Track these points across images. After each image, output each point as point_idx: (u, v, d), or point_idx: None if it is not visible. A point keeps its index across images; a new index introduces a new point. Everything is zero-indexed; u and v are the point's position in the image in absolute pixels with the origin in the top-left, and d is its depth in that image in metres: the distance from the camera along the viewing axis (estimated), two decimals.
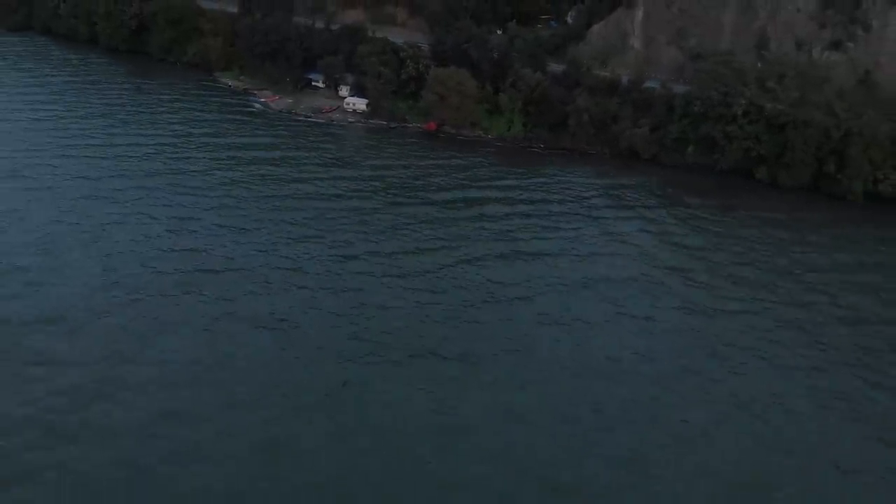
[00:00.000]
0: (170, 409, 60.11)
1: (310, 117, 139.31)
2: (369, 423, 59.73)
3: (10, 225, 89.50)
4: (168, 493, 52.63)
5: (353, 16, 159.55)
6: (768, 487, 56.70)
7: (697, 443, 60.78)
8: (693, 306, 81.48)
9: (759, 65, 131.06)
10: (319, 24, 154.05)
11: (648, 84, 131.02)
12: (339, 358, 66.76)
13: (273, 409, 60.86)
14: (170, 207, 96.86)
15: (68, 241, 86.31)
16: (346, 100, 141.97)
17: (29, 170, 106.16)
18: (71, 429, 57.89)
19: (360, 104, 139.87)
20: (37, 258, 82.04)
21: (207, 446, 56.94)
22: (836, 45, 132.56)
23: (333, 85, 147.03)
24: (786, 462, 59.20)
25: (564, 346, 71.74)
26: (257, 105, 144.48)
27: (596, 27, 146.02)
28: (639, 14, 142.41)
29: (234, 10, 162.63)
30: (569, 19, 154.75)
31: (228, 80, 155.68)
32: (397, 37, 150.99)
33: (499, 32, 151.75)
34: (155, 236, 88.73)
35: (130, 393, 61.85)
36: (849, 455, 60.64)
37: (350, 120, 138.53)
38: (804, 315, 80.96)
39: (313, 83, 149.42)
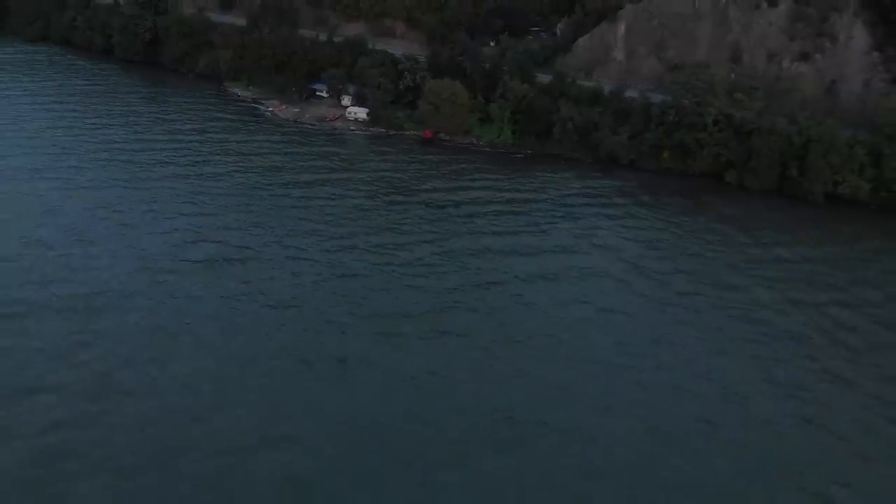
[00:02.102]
0: (198, 366, 74.61)
1: (314, 125, 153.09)
2: (369, 378, 74.14)
3: (48, 219, 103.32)
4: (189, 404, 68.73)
5: (355, 29, 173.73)
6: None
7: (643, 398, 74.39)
8: (653, 292, 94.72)
9: (732, 76, 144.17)
10: (323, 37, 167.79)
11: (629, 93, 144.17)
12: (341, 329, 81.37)
13: (284, 363, 75.55)
14: (188, 203, 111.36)
15: (100, 233, 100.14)
16: (348, 109, 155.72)
17: (59, 170, 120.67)
18: (117, 377, 72.72)
19: (361, 113, 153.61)
20: (74, 247, 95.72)
21: (232, 388, 72.13)
22: (804, 57, 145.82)
23: (336, 95, 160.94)
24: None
25: (534, 322, 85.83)
26: (265, 113, 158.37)
27: (581, 40, 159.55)
28: (621, 27, 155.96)
29: (243, 23, 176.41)
30: (557, 31, 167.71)
31: (238, 90, 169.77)
32: (396, 48, 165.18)
33: (492, 44, 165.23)
34: (177, 228, 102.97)
35: (160, 351, 76.44)
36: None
37: (352, 128, 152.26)
38: (750, 302, 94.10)
39: (317, 93, 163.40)
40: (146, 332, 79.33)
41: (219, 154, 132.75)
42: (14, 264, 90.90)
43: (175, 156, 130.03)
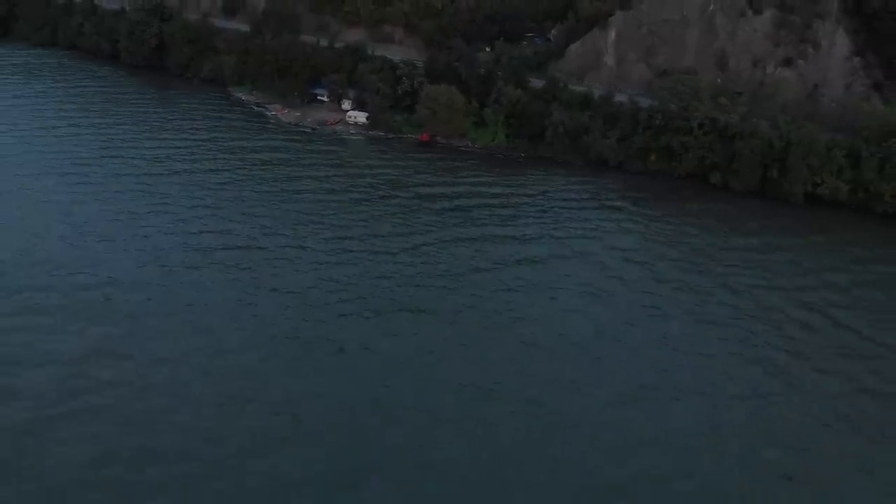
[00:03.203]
0: (206, 348, 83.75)
1: (315, 129, 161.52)
2: (367, 360, 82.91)
3: (61, 215, 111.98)
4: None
5: (355, 35, 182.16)
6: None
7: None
8: (632, 285, 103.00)
9: (718, 81, 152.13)
10: (324, 43, 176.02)
11: (618, 98, 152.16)
12: (340, 315, 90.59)
13: (287, 346, 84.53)
14: (197, 199, 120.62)
15: (111, 227, 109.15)
16: (349, 113, 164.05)
17: (72, 168, 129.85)
18: (128, 350, 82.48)
19: (361, 117, 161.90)
20: (87, 241, 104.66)
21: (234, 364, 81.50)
22: (788, 62, 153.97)
23: (337, 99, 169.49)
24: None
25: (520, 310, 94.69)
26: (268, 117, 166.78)
27: (574, 46, 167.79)
28: (612, 34, 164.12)
29: (246, 29, 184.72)
30: (550, 37, 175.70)
31: (241, 95, 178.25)
32: (395, 54, 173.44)
33: (487, 50, 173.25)
34: (186, 223, 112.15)
35: (169, 334, 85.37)
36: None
37: (352, 131, 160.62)
38: (721, 295, 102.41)
39: (319, 97, 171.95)
40: (156, 317, 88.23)
41: (225, 155, 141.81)
42: (30, 256, 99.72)
43: (183, 156, 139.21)
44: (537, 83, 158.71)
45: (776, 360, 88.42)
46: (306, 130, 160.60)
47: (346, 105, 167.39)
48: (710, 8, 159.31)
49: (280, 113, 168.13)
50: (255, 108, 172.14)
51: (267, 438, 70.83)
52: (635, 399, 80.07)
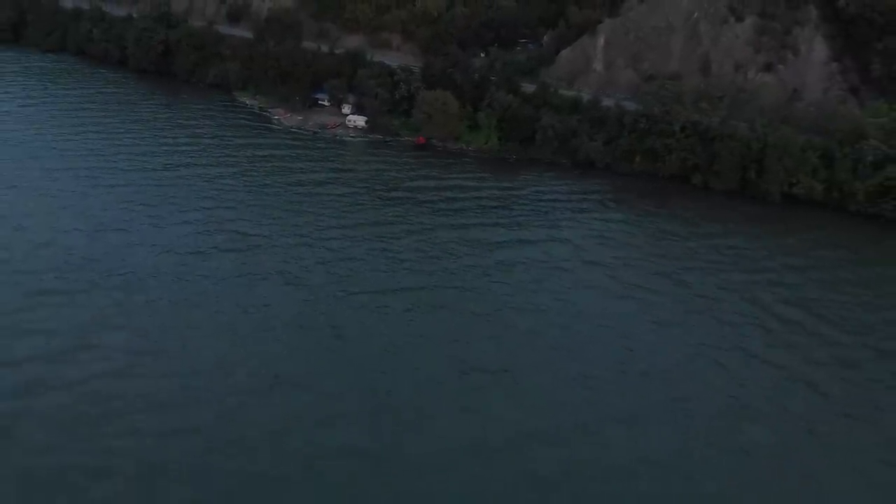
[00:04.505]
0: (219, 322, 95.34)
1: (317, 132, 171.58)
2: (364, 340, 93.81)
3: (79, 213, 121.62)
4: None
5: (354, 41, 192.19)
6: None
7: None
8: (613, 282, 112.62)
9: (702, 85, 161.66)
10: (324, 49, 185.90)
11: (605, 102, 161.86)
12: (340, 303, 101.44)
13: (292, 331, 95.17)
14: (205, 198, 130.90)
15: (126, 223, 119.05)
16: (348, 117, 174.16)
17: (87, 166, 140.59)
18: (137, 324, 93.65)
19: (360, 121, 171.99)
20: (105, 235, 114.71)
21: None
22: (768, 68, 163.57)
23: (337, 104, 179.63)
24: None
25: (505, 300, 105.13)
26: (272, 120, 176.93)
27: (564, 52, 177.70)
28: (601, 40, 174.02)
29: (250, 36, 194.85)
30: (543, 43, 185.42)
31: (245, 99, 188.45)
32: (393, 60, 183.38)
33: (482, 55, 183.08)
34: (195, 216, 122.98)
35: (183, 319, 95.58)
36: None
37: (351, 135, 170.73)
38: (694, 289, 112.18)
39: (320, 102, 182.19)
40: (170, 304, 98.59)
41: (231, 156, 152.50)
42: (52, 248, 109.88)
43: (192, 157, 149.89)
44: (529, 88, 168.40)
45: (729, 350, 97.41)
46: (308, 133, 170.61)
47: (345, 109, 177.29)
48: (695, 15, 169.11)
49: (283, 117, 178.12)
50: (259, 111, 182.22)
51: (265, 393, 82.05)
52: (604, 378, 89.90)
